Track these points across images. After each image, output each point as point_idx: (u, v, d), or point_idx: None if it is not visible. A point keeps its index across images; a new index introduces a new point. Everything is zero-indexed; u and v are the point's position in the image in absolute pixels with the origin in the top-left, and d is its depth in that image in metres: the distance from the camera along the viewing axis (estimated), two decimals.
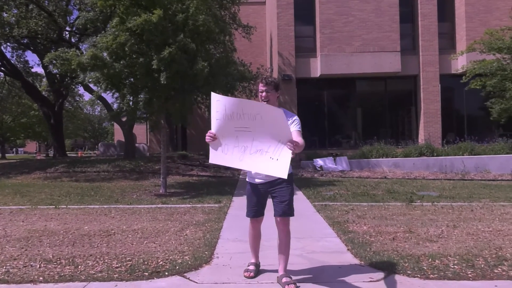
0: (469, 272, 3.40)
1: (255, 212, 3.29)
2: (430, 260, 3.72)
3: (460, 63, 14.78)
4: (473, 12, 15.47)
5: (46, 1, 16.03)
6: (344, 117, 17.00)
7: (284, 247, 3.22)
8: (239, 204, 7.15)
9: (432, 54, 15.72)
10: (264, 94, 3.18)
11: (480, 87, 12.11)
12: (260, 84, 3.21)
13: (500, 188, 9.19)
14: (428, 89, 15.76)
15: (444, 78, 15.83)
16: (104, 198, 8.50)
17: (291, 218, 3.22)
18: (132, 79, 8.83)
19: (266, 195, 3.29)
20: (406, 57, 15.65)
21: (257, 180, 3.24)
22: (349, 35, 15.36)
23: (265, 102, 3.12)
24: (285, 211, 3.13)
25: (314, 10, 16.13)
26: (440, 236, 4.68)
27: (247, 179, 3.35)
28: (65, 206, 7.35)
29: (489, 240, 4.48)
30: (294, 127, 3.09)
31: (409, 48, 16.08)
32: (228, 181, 11.23)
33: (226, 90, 10.60)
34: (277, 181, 3.16)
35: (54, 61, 8.85)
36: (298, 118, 3.22)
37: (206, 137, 3.17)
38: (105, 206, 7.31)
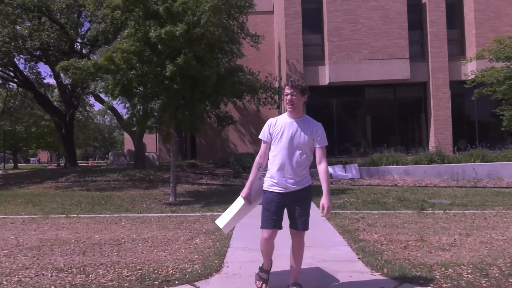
0: (483, 282, 3.34)
1: (273, 224, 3.07)
2: (443, 269, 3.67)
3: (470, 69, 14.64)
4: (482, 18, 15.37)
5: (58, 14, 16.36)
6: (353, 124, 16.93)
7: (297, 257, 3.16)
8: (250, 212, 7.13)
9: (441, 61, 15.62)
10: (289, 97, 3.06)
11: (490, 92, 11.98)
12: (286, 87, 3.11)
13: None
14: (438, 96, 15.64)
15: (454, 84, 15.70)
16: (115, 207, 8.55)
17: None
18: (142, 88, 8.94)
19: (284, 207, 3.11)
20: (415, 64, 15.58)
21: (278, 189, 3.08)
22: (358, 42, 15.36)
23: (290, 106, 3.07)
24: (305, 226, 3.08)
25: (322, 19, 16.19)
26: (453, 244, 4.61)
27: (265, 187, 3.15)
28: (76, 215, 7.41)
29: (503, 248, 4.39)
30: (318, 141, 3.09)
31: (418, 55, 16.01)
32: (237, 190, 11.23)
33: (235, 97, 10.67)
34: (299, 194, 3.08)
35: (66, 70, 9.00)
36: (322, 128, 3.14)
37: None
38: (115, 215, 7.36)
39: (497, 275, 3.49)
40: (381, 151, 14.31)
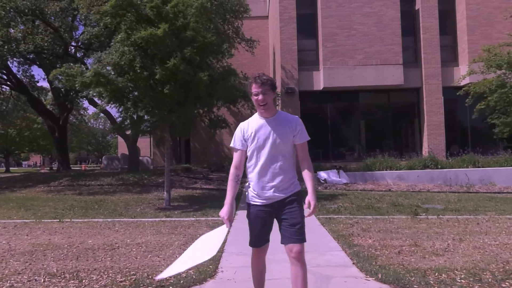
0: (476, 286, 3.36)
1: (260, 241, 2.71)
2: (436, 274, 3.69)
3: (463, 81, 14.75)
4: (474, 25, 15.57)
5: (52, 17, 16.30)
6: (348, 129, 17.00)
7: (300, 284, 2.50)
8: (243, 217, 7.11)
9: (434, 67, 15.78)
10: (260, 97, 2.60)
11: (484, 106, 12.10)
12: (254, 85, 2.62)
13: (506, 201, 9.11)
14: (431, 101, 15.77)
15: (447, 90, 15.85)
16: (108, 211, 8.49)
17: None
18: (135, 93, 8.93)
19: (272, 218, 2.71)
20: (408, 69, 15.71)
21: (261, 201, 2.66)
22: (352, 48, 15.47)
23: (263, 106, 2.61)
24: (298, 237, 2.54)
25: (316, 24, 16.29)
26: (446, 249, 4.64)
27: (248, 201, 2.75)
28: (69, 220, 7.35)
29: (496, 253, 4.43)
30: (298, 137, 2.70)
31: (411, 61, 16.16)
32: None
33: (229, 102, 10.67)
34: (287, 200, 2.63)
35: (60, 77, 8.97)
36: (301, 121, 2.75)
37: None
38: (109, 220, 7.31)
39: (490, 280, 3.52)
40: (375, 156, 14.39)
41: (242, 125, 2.77)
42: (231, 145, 2.76)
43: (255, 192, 2.67)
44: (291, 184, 2.67)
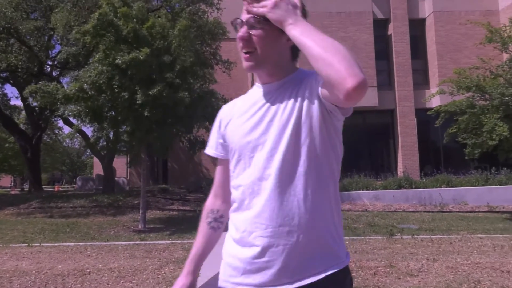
0: None
1: None
2: None
3: (434, 103, 15.27)
4: (443, 50, 16.28)
5: (28, 36, 16.07)
6: None
7: None
8: (221, 239, 7.04)
9: (407, 90, 16.31)
10: (243, 31, 1.21)
11: (456, 130, 12.49)
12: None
13: (477, 220, 9.36)
14: (405, 122, 16.22)
15: (420, 112, 16.35)
16: (80, 234, 8.23)
17: None
18: (113, 113, 8.84)
19: None
20: (383, 92, 16.18)
21: (250, 282, 1.15)
22: None
23: (246, 55, 1.22)
24: None
25: None
26: (420, 270, 4.70)
27: (221, 278, 1.29)
28: (38, 244, 7.07)
29: (467, 273, 4.52)
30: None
31: (385, 84, 16.66)
32: None
33: (206, 121, 10.68)
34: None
35: (35, 94, 8.80)
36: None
37: None
38: (80, 244, 7.07)
39: None
40: (352, 176, 14.58)
41: (224, 108, 1.38)
42: (206, 150, 1.39)
43: (236, 263, 1.19)
44: (322, 246, 1.13)
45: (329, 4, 16.23)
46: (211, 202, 1.40)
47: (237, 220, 1.21)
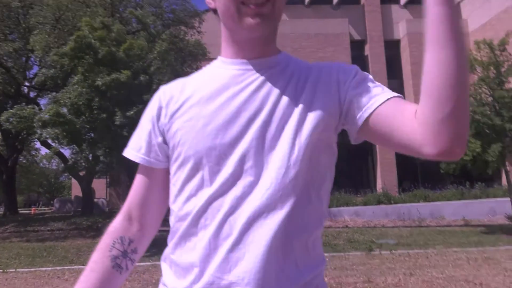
0: None
1: None
2: None
3: None
4: (418, 70, 16.90)
5: (5, 57, 15.91)
6: None
7: None
8: None
9: None
10: None
11: None
12: None
13: (454, 234, 9.60)
14: None
15: None
16: (58, 259, 8.04)
17: None
18: (92, 134, 8.82)
19: None
20: None
21: None
22: None
23: (258, 5, 0.78)
24: None
25: None
26: (397, 285, 4.81)
27: None
28: (13, 270, 6.88)
29: (442, 287, 4.65)
30: (375, 93, 0.82)
31: None
32: None
33: None
34: None
35: (11, 119, 8.72)
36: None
37: None
38: (58, 268, 6.92)
39: None
40: (333, 193, 14.74)
41: (166, 89, 0.92)
42: (125, 152, 0.94)
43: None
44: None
45: (308, 26, 16.75)
46: (121, 227, 0.93)
47: (183, 261, 0.80)
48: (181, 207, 0.82)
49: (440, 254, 6.86)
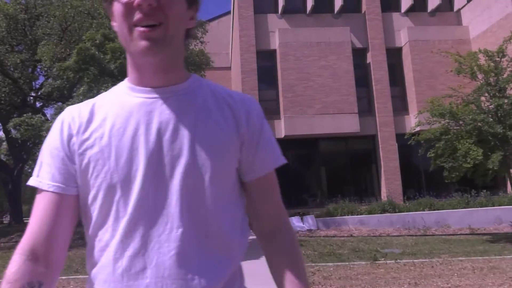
0: None
1: None
2: None
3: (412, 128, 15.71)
4: (420, 77, 16.94)
5: (12, 68, 16.14)
6: (309, 176, 17.42)
7: None
8: None
9: (387, 115, 16.81)
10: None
11: (434, 155, 12.83)
12: None
13: (459, 243, 9.54)
14: (386, 148, 16.62)
15: (400, 137, 16.79)
16: (63, 268, 8.07)
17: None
18: None
19: None
20: (364, 118, 16.62)
21: None
22: (310, 98, 16.28)
23: (147, 30, 0.79)
24: None
25: (276, 76, 17.10)
26: None
27: None
28: None
29: None
30: (262, 153, 1.05)
31: (366, 110, 17.14)
32: None
33: None
34: None
35: (19, 127, 8.85)
36: (259, 106, 1.14)
37: None
38: (63, 278, 6.94)
39: None
40: (337, 202, 14.73)
41: (73, 112, 0.90)
42: (30, 182, 0.89)
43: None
44: None
45: (309, 35, 16.86)
46: (27, 269, 0.83)
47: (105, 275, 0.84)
48: (95, 237, 0.86)
49: (445, 263, 6.82)
